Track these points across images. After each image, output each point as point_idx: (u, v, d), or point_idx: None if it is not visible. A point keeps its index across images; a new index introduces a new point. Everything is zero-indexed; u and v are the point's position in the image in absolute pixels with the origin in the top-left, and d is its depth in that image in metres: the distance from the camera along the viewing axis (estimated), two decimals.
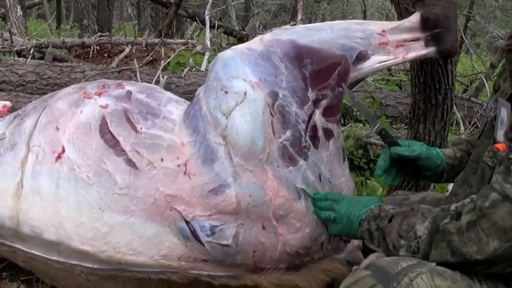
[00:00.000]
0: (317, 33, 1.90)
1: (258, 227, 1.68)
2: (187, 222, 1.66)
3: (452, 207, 1.28)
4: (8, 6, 6.14)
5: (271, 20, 12.93)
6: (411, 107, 2.51)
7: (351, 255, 1.93)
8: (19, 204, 1.75)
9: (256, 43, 1.88)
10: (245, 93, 1.70)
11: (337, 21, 2.04)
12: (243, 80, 1.73)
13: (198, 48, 4.72)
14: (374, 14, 14.33)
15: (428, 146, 1.84)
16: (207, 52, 4.18)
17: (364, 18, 6.18)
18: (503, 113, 1.41)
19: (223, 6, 9.90)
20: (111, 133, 1.75)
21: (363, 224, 1.53)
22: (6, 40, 4.83)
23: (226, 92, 1.71)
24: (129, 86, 1.93)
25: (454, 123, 4.40)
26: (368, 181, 3.33)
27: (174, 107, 1.88)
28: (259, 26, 10.20)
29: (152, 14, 9.94)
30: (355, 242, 1.94)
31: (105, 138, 1.75)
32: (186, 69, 3.96)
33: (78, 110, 1.83)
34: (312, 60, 1.83)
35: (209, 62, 3.65)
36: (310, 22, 15.81)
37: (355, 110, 4.05)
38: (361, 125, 3.92)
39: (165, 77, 3.44)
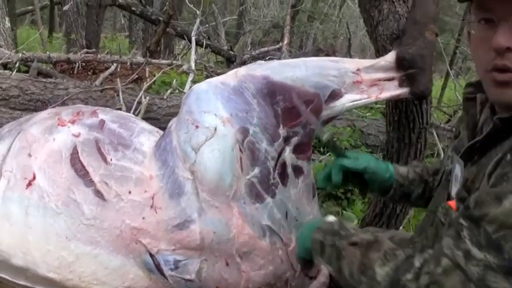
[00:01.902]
0: (291, 70, 1.90)
1: (221, 263, 1.70)
2: (151, 256, 1.68)
3: (416, 262, 1.22)
4: None
5: (263, 37, 12.96)
6: (385, 144, 2.52)
7: None
8: None
9: (230, 77, 1.90)
10: (215, 129, 1.72)
11: (312, 58, 2.05)
12: (215, 115, 1.75)
13: (185, 67, 4.74)
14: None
15: (378, 159, 1.79)
16: (191, 74, 4.19)
17: (349, 45, 6.20)
18: (457, 170, 1.39)
19: (213, 23, 9.93)
20: (82, 163, 1.77)
21: (317, 234, 1.46)
22: None
23: (197, 127, 1.73)
24: (103, 115, 1.95)
25: (435, 154, 4.42)
26: (344, 211, 3.34)
27: (146, 138, 1.89)
28: (250, 45, 10.22)
29: (144, 27, 9.97)
30: (321, 279, 1.95)
31: (75, 167, 1.76)
32: (168, 91, 3.98)
33: (51, 137, 1.84)
34: (285, 97, 1.84)
35: (194, 82, 3.66)
36: (302, 42, 15.90)
37: (334, 139, 4.05)
38: None
39: (147, 98, 3.45)
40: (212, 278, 1.69)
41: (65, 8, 7.28)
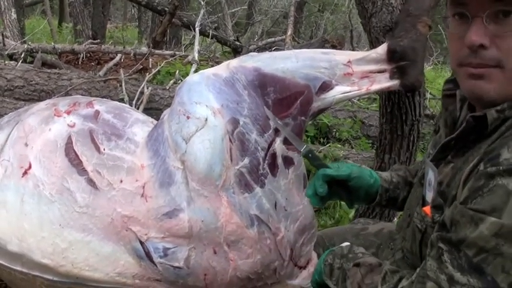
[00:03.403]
0: (282, 61, 1.92)
1: (209, 251, 1.73)
2: (141, 243, 1.72)
3: (405, 282, 1.24)
4: (2, 9, 6.22)
5: (272, 27, 12.94)
6: (378, 136, 2.54)
7: (305, 282, 1.97)
8: None
9: (222, 69, 1.93)
10: (206, 120, 1.75)
11: (303, 50, 2.07)
12: (206, 106, 1.78)
13: (190, 58, 4.78)
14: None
15: (360, 166, 1.77)
16: (194, 64, 4.23)
17: (351, 37, 6.20)
18: (430, 175, 1.38)
19: (220, 14, 9.95)
20: (76, 152, 1.81)
21: (328, 258, 1.51)
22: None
23: (188, 117, 1.77)
24: (98, 105, 1.99)
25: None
26: (342, 202, 3.34)
27: (140, 128, 1.93)
28: (260, 35, 10.22)
29: (152, 17, 10.00)
30: (311, 269, 1.97)
31: (69, 157, 1.81)
32: (171, 82, 4.02)
33: (47, 127, 1.89)
34: (275, 89, 1.87)
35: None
36: (312, 32, 15.86)
37: (334, 130, 4.07)
38: (339, 145, 3.95)
39: (150, 88, 3.49)
40: (200, 265, 1.73)
41: None
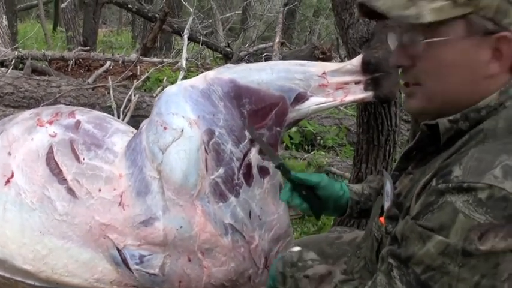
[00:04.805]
0: (257, 73, 1.97)
1: (184, 259, 1.79)
2: (118, 250, 1.77)
3: None
4: None
5: (266, 32, 12.95)
6: (355, 145, 2.58)
7: None
8: None
9: (200, 80, 1.97)
10: (182, 130, 1.80)
11: (278, 62, 2.13)
12: (182, 116, 1.83)
13: (179, 64, 4.83)
14: None
15: (331, 179, 1.75)
16: (181, 72, 4.28)
17: (337, 44, 6.23)
18: (387, 186, 1.39)
19: (212, 20, 9.98)
20: (56, 162, 1.86)
21: (279, 266, 1.48)
22: None
23: (165, 128, 1.82)
24: (80, 116, 2.04)
25: None
26: None
27: (119, 138, 1.98)
28: (255, 39, 10.24)
29: (144, 23, 10.03)
30: None
31: (50, 166, 1.86)
32: (159, 89, 4.08)
33: (30, 137, 1.94)
34: (251, 100, 1.91)
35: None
36: (306, 37, 15.88)
37: (319, 137, 4.12)
38: (323, 153, 3.99)
39: (137, 95, 3.54)
40: (175, 272, 1.78)
41: (63, 5, 7.39)
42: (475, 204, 0.99)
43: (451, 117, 1.17)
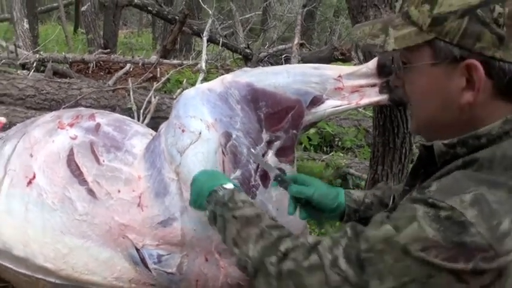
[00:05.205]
0: (274, 77, 1.99)
1: (201, 258, 1.82)
2: (137, 250, 1.82)
3: (283, 247, 1.25)
4: (15, 20, 6.36)
5: (286, 33, 12.94)
6: (371, 148, 2.58)
7: None
8: None
9: (217, 84, 2.00)
10: (200, 133, 1.83)
11: (295, 65, 2.14)
12: (200, 119, 1.86)
13: (199, 66, 4.87)
14: None
15: (330, 187, 1.72)
16: (201, 73, 4.32)
17: (356, 46, 6.22)
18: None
19: (231, 21, 10.01)
20: (77, 164, 1.92)
21: (209, 203, 1.48)
22: (12, 52, 5.03)
23: (183, 131, 1.85)
24: (100, 118, 2.09)
25: None
26: None
27: (139, 141, 2.03)
28: (274, 40, 10.23)
29: (164, 25, 10.08)
30: None
31: (71, 168, 1.92)
32: (178, 90, 4.12)
33: (51, 139, 2.00)
34: (267, 103, 1.93)
35: (207, 81, 3.76)
36: (327, 37, 15.86)
37: (337, 139, 4.13)
38: (342, 154, 4.00)
39: (157, 97, 3.58)
40: (192, 271, 1.82)
41: (83, 8, 7.48)
42: (433, 218, 0.98)
43: (446, 141, 1.15)
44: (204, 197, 1.51)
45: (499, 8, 1.03)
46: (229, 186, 1.50)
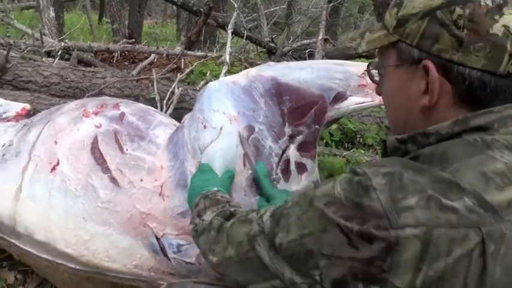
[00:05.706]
0: (298, 72, 2.00)
1: None
2: (157, 239, 1.83)
3: (241, 210, 1.35)
4: (42, 8, 6.42)
5: (311, 27, 12.90)
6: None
7: None
8: (17, 207, 1.95)
9: (242, 77, 2.02)
10: (221, 128, 1.83)
11: (318, 61, 2.15)
12: (223, 113, 1.87)
13: (222, 58, 4.88)
14: None
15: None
16: (225, 66, 4.33)
17: None
18: None
19: (255, 15, 10.01)
20: (100, 152, 1.94)
21: (197, 199, 1.56)
22: (38, 40, 5.07)
23: (205, 127, 1.85)
24: (124, 108, 2.11)
25: None
26: None
27: (162, 131, 2.05)
28: (299, 34, 10.19)
29: (188, 16, 10.10)
30: None
31: (94, 155, 1.94)
32: (202, 82, 4.13)
33: (76, 127, 2.02)
34: (291, 98, 1.95)
35: (230, 73, 3.76)
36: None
37: (359, 135, 4.12)
38: (363, 151, 3.98)
39: (180, 88, 3.59)
40: None
41: None
42: (346, 181, 0.98)
43: (399, 137, 1.14)
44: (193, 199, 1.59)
45: (459, 9, 1.03)
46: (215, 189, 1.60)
